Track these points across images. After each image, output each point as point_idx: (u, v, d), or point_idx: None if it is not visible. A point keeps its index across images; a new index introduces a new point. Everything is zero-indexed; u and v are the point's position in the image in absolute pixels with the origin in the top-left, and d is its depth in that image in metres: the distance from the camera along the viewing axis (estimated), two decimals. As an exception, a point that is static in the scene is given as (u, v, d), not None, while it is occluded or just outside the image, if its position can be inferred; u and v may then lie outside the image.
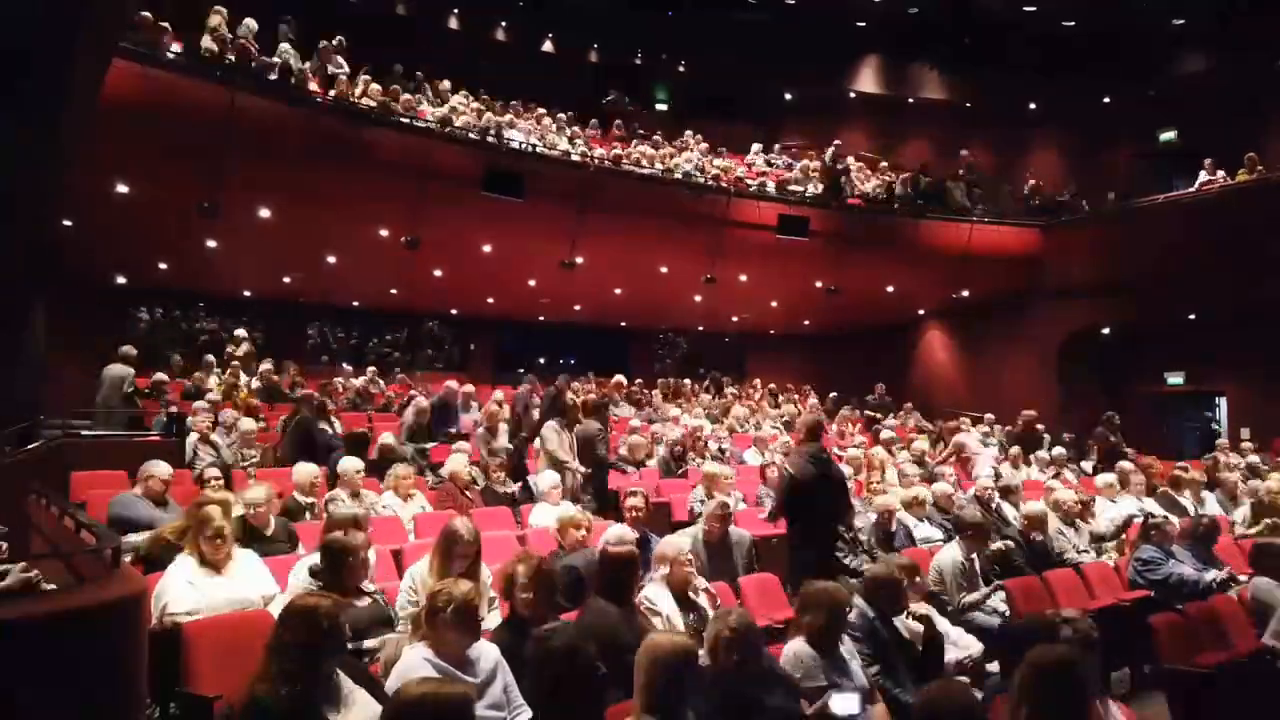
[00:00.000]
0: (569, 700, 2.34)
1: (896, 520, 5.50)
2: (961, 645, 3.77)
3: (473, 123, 10.03)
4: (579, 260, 10.69)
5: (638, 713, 2.24)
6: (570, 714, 2.37)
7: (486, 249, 10.82)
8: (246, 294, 13.72)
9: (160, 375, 9.25)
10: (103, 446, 6.40)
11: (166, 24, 8.04)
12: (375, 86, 9.53)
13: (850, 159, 13.56)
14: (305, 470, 5.21)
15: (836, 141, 13.65)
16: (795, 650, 2.92)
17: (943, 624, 3.76)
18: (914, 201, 12.37)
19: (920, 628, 3.49)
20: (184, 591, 3.18)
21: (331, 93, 9.00)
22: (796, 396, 13.07)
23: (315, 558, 3.59)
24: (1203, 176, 11.50)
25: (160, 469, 4.63)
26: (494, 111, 11.24)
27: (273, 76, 8.60)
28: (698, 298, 13.40)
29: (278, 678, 2.17)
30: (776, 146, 14.65)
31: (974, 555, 4.61)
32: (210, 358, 10.34)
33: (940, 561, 4.59)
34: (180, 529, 3.61)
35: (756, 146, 13.78)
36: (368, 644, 2.98)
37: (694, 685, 2.31)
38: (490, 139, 9.96)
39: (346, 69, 9.57)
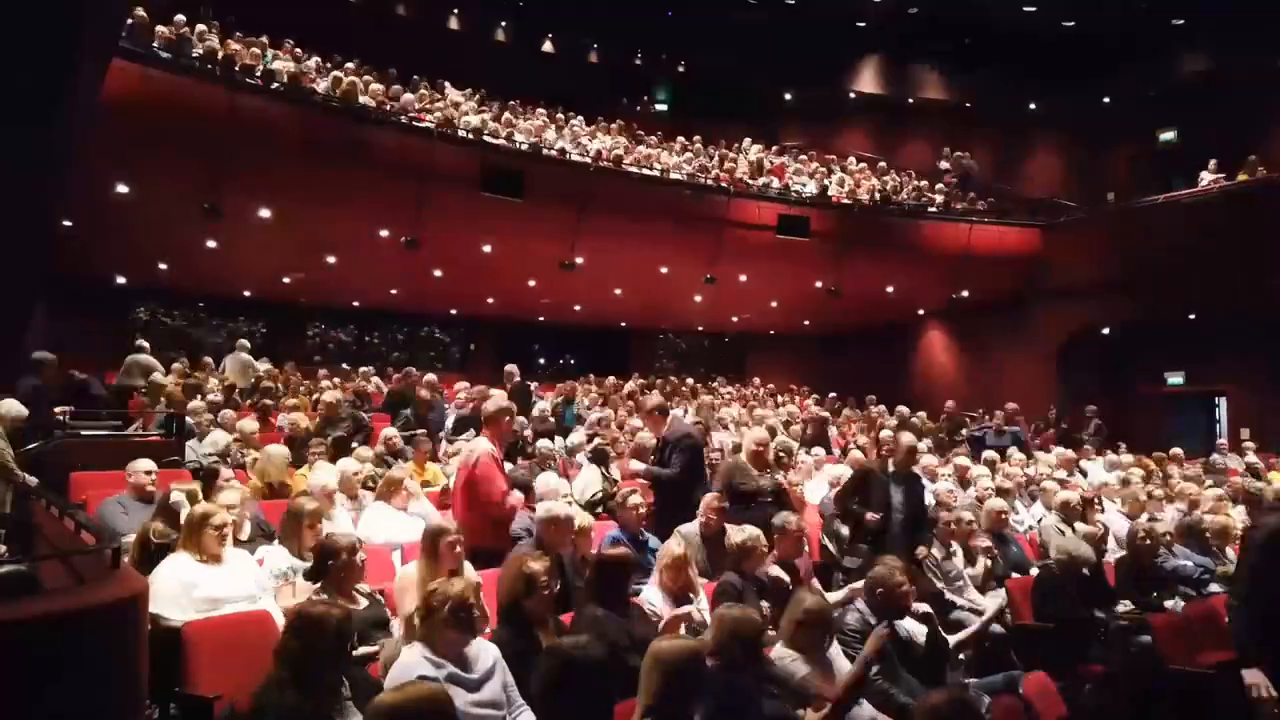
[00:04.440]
0: (580, 713, 2.34)
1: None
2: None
3: (474, 122, 10.02)
4: (579, 260, 10.70)
5: (640, 715, 2.23)
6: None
7: (486, 249, 10.82)
8: (246, 294, 13.73)
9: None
10: (103, 446, 6.39)
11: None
12: (376, 86, 9.54)
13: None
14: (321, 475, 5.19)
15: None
16: (777, 654, 2.92)
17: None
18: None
19: (923, 629, 3.48)
20: (176, 594, 3.16)
21: (324, 85, 9.02)
22: (798, 397, 13.07)
23: (277, 549, 3.62)
24: (1206, 177, 11.49)
25: (142, 466, 4.60)
26: (493, 112, 11.24)
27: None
28: (698, 298, 13.40)
29: (284, 684, 2.18)
30: (774, 148, 14.64)
31: (953, 552, 4.64)
32: (209, 360, 10.34)
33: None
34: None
35: (755, 146, 13.73)
36: (363, 650, 2.97)
37: (701, 688, 2.30)
38: (489, 138, 9.96)
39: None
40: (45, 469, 5.42)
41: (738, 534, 3.86)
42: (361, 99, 9.17)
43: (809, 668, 2.85)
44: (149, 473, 4.54)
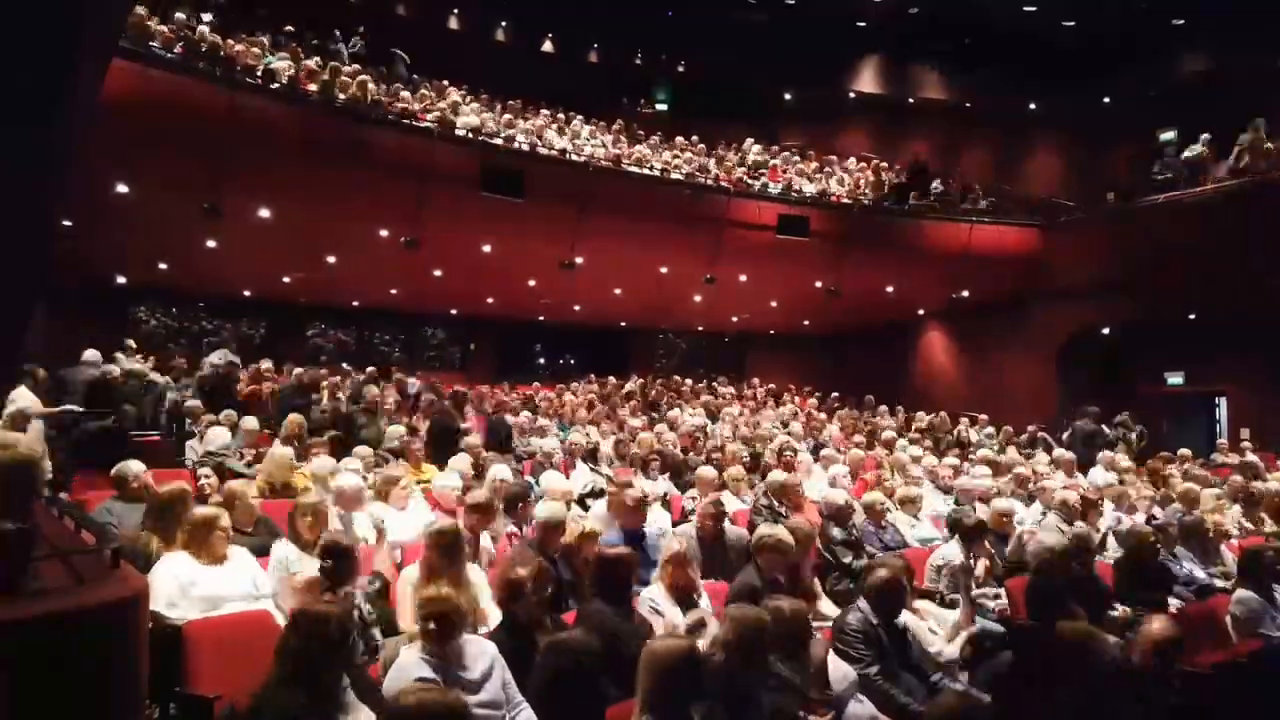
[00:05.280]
0: (577, 709, 2.34)
1: (888, 519, 5.44)
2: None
3: (474, 122, 10.01)
4: (579, 260, 10.69)
5: (638, 715, 2.24)
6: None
7: (486, 249, 10.82)
8: (246, 294, 13.73)
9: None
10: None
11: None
12: (371, 87, 9.51)
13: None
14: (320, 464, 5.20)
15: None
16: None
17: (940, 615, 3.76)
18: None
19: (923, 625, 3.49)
20: (176, 593, 3.17)
21: (312, 85, 9.04)
22: (798, 397, 13.06)
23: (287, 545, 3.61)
24: (1197, 148, 11.51)
25: (133, 468, 4.53)
26: (493, 112, 11.24)
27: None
28: (698, 298, 13.40)
29: (285, 682, 2.18)
30: (775, 147, 14.62)
31: (974, 555, 4.62)
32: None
33: (945, 556, 4.60)
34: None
35: (755, 146, 13.69)
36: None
37: (697, 686, 2.30)
38: (489, 139, 9.95)
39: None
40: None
41: (768, 531, 3.82)
42: (362, 98, 9.16)
43: (797, 676, 2.84)
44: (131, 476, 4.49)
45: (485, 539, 4.12)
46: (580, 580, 3.57)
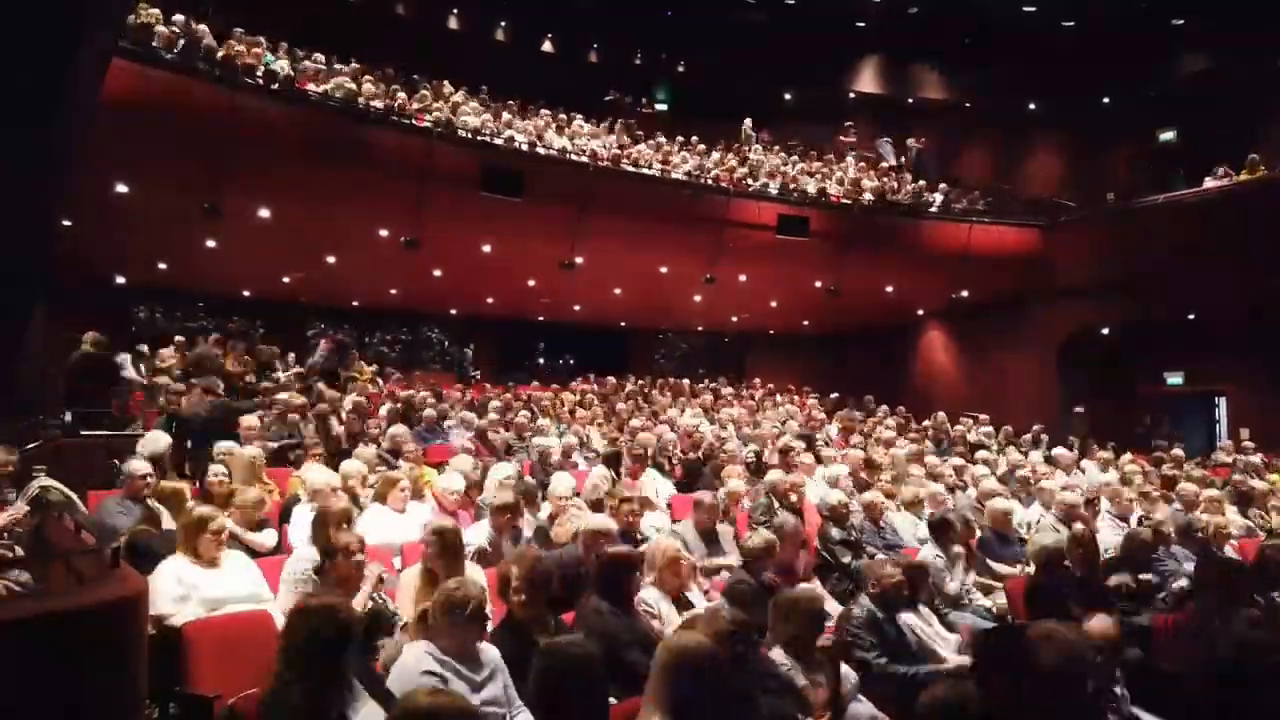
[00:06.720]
0: (576, 713, 2.33)
1: (885, 519, 5.41)
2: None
3: (473, 122, 10.00)
4: (579, 260, 10.69)
5: (649, 712, 2.22)
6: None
7: (486, 249, 10.82)
8: (246, 294, 13.74)
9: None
10: (103, 445, 6.38)
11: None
12: (369, 87, 9.51)
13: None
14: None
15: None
16: (771, 658, 2.92)
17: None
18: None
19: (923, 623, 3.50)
20: (174, 591, 3.18)
21: (318, 87, 9.04)
22: (797, 397, 13.06)
23: (309, 553, 3.59)
24: (1209, 182, 11.50)
25: (138, 466, 4.53)
26: (493, 112, 11.23)
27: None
28: (698, 298, 13.40)
29: (294, 677, 2.17)
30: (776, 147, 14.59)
31: (951, 552, 4.61)
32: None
33: (921, 558, 4.59)
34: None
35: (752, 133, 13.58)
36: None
37: (719, 686, 2.29)
38: (489, 139, 9.95)
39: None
40: (45, 469, 5.41)
41: (756, 537, 3.85)
42: (360, 99, 9.16)
43: (804, 679, 2.84)
44: (144, 475, 4.48)
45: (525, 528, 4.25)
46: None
